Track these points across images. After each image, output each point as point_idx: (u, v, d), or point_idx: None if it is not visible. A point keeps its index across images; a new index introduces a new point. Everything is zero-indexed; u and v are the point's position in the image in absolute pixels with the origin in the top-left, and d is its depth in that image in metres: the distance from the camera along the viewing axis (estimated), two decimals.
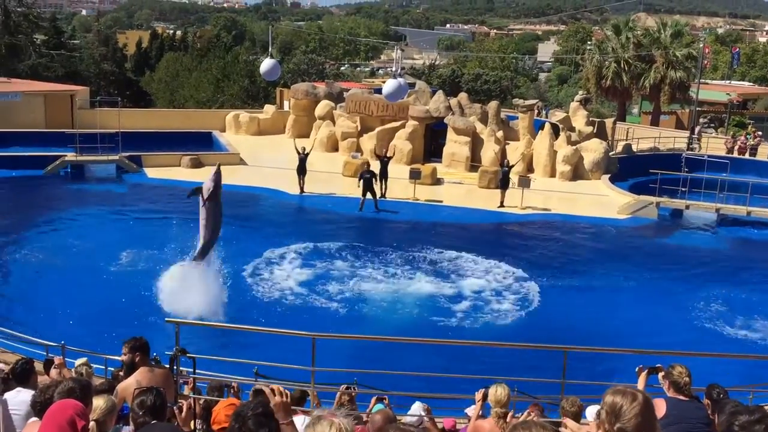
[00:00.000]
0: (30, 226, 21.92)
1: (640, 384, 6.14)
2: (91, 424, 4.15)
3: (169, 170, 28.57)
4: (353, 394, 7.89)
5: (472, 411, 7.00)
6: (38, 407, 4.68)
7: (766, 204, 25.34)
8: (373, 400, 7.41)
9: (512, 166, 26.08)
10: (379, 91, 34.68)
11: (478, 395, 6.67)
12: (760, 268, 21.20)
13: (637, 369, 6.29)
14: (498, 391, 6.42)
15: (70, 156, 28.22)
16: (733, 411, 4.10)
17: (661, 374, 6.08)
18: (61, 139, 29.00)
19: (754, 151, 34.29)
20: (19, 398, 5.77)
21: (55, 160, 28.03)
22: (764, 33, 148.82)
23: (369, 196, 24.22)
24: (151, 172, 28.48)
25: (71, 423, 3.94)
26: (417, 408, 7.51)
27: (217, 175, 15.54)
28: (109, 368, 10.14)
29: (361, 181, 24.27)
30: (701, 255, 22.32)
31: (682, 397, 5.40)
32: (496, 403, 6.38)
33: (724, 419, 4.16)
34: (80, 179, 27.97)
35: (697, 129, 36.86)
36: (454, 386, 10.17)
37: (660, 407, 5.11)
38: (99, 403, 4.71)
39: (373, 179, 24.35)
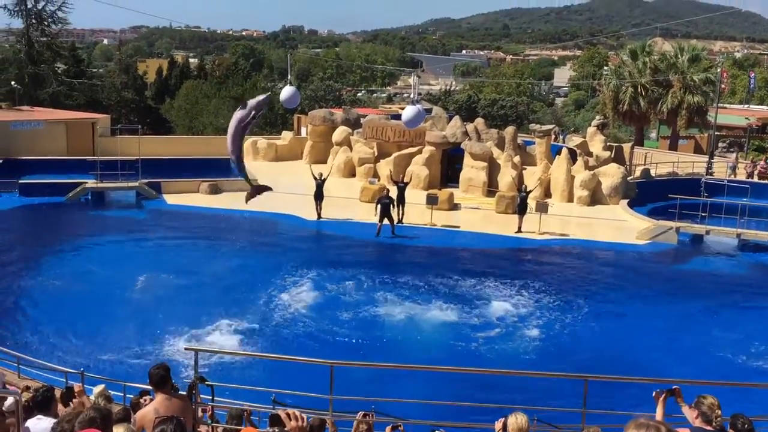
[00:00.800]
0: (51, 252, 22.14)
1: (659, 409, 6.06)
2: None
3: (188, 196, 28.85)
4: (371, 422, 7.83)
5: None
6: None
7: None
8: (388, 429, 7.36)
9: (530, 191, 26.02)
10: (395, 117, 34.88)
11: (498, 425, 6.59)
12: None
13: (654, 394, 6.21)
14: (519, 419, 6.34)
15: (91, 183, 28.60)
16: None
17: (679, 398, 6.01)
18: (82, 166, 29.46)
19: None
20: (40, 426, 5.79)
21: (77, 187, 28.40)
22: None
23: (386, 221, 24.26)
24: (171, 199, 28.75)
25: None
26: None
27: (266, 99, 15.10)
28: (127, 395, 10.15)
29: (379, 206, 24.34)
30: (722, 281, 22.03)
31: (708, 428, 5.31)
32: (518, 431, 6.30)
33: None
34: (101, 206, 28.31)
35: (733, 156, 36.31)
36: (473, 415, 10.07)
37: None
38: (119, 431, 4.72)
39: (391, 205, 24.42)
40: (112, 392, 9.06)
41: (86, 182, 28.60)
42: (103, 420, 4.39)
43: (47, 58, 46.08)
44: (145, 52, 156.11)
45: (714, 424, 5.31)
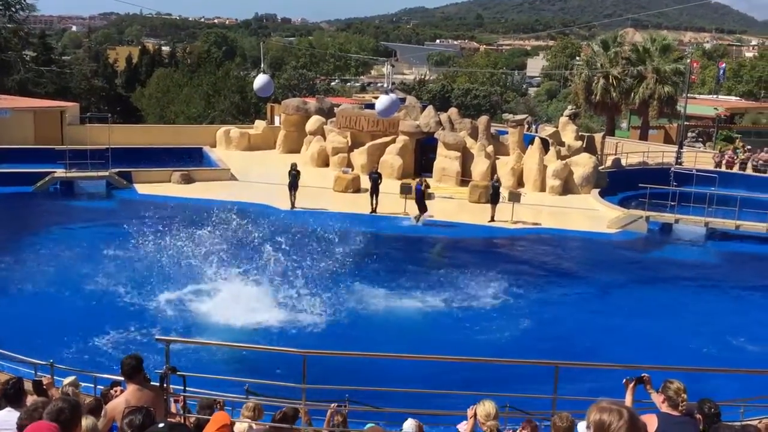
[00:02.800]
0: (19, 243, 21.76)
1: (628, 396, 6.14)
2: None
3: (160, 186, 28.51)
4: (345, 413, 7.85)
5: (464, 427, 6.98)
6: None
7: (755, 218, 25.47)
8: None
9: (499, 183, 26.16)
10: (369, 106, 34.78)
11: (471, 411, 6.65)
12: (749, 281, 21.28)
13: (624, 381, 6.30)
14: (486, 406, 6.43)
15: (60, 172, 28.12)
16: None
17: (648, 386, 6.10)
18: (50, 155, 28.90)
19: (743, 165, 34.52)
20: (12, 418, 5.69)
21: (45, 177, 27.91)
22: (750, 48, 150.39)
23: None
24: (142, 188, 28.39)
25: None
26: (409, 424, 7.49)
27: None
28: (98, 386, 10.04)
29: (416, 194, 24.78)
30: (690, 269, 22.40)
31: (675, 413, 5.39)
32: (486, 417, 6.38)
33: None
34: (70, 196, 27.86)
35: (759, 153, 35.16)
36: (446, 402, 10.13)
37: (651, 423, 5.10)
38: (83, 423, 4.67)
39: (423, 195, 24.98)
40: (83, 384, 8.97)
41: (55, 171, 28.12)
42: (72, 411, 4.33)
43: (14, 45, 45.17)
44: (115, 39, 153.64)
45: (680, 408, 5.39)
